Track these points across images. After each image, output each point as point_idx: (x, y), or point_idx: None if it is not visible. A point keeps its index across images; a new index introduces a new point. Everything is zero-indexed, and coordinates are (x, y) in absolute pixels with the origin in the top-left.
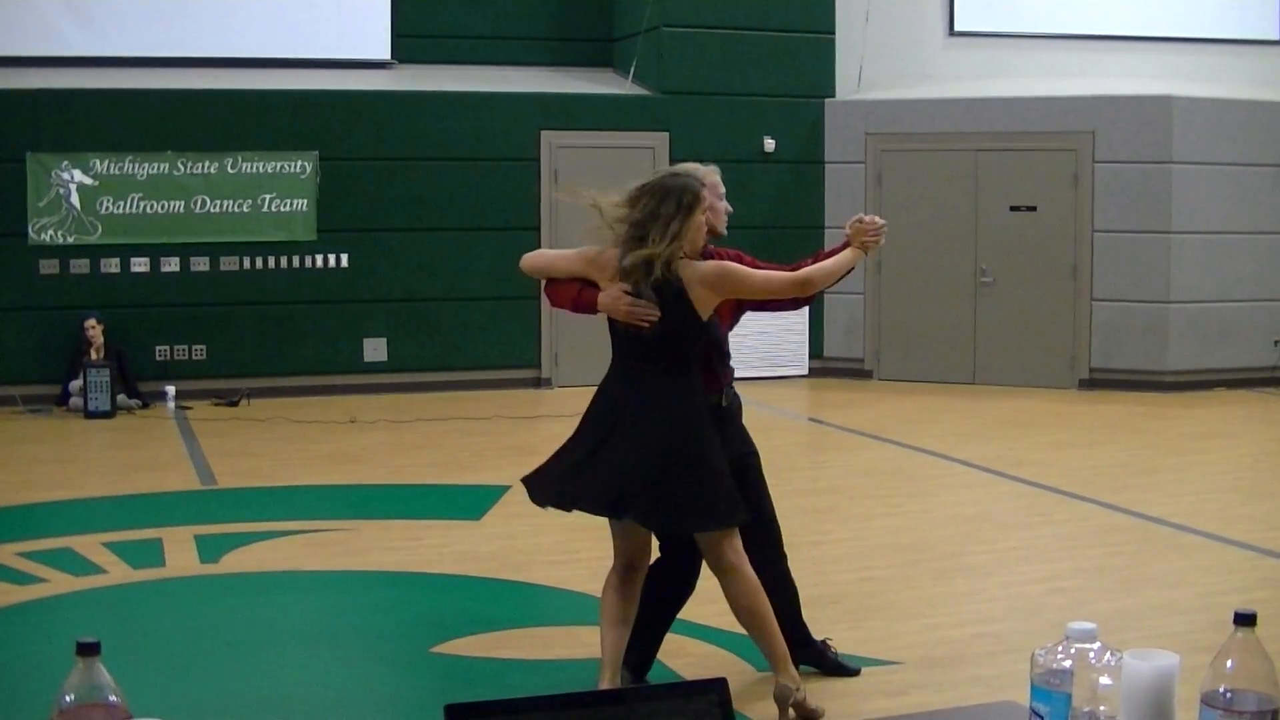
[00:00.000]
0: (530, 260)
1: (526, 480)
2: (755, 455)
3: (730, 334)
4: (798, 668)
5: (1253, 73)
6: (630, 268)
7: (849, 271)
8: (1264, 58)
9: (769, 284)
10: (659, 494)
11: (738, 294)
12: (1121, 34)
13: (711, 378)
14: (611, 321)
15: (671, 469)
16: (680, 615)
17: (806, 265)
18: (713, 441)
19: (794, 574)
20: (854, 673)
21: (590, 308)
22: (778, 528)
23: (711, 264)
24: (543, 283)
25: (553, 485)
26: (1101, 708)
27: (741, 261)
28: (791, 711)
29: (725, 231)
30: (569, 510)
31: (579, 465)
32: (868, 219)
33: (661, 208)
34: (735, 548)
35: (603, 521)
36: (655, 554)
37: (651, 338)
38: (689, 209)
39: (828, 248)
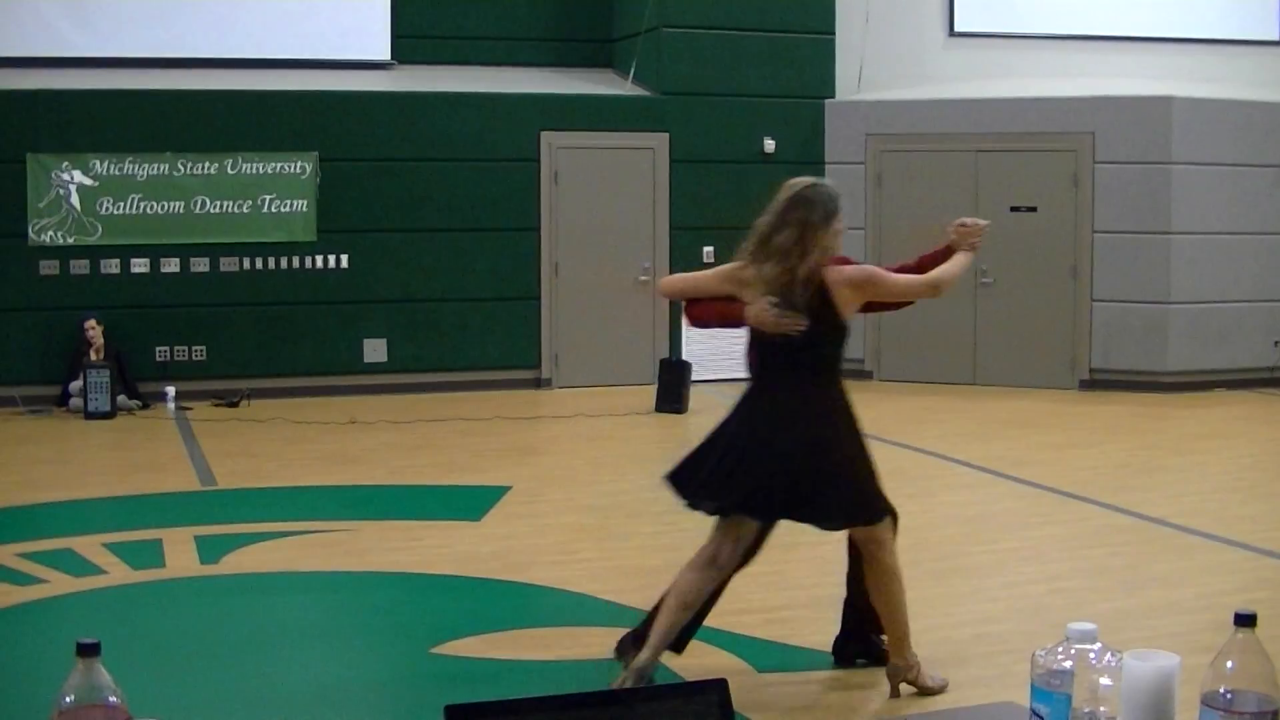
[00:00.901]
0: (671, 284)
1: (673, 478)
2: None
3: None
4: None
5: (1253, 73)
6: (776, 280)
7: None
8: (1264, 58)
9: (908, 287)
10: (815, 495)
11: (878, 297)
12: (1121, 34)
13: None
14: (754, 332)
15: (826, 468)
16: None
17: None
18: (861, 438)
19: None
20: None
21: (738, 321)
22: None
23: (855, 268)
24: (683, 303)
25: (701, 487)
26: (1102, 708)
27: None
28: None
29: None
30: (716, 514)
31: (729, 470)
32: (970, 222)
33: (811, 215)
34: (878, 538)
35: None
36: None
37: (799, 344)
38: (831, 216)
39: (927, 251)
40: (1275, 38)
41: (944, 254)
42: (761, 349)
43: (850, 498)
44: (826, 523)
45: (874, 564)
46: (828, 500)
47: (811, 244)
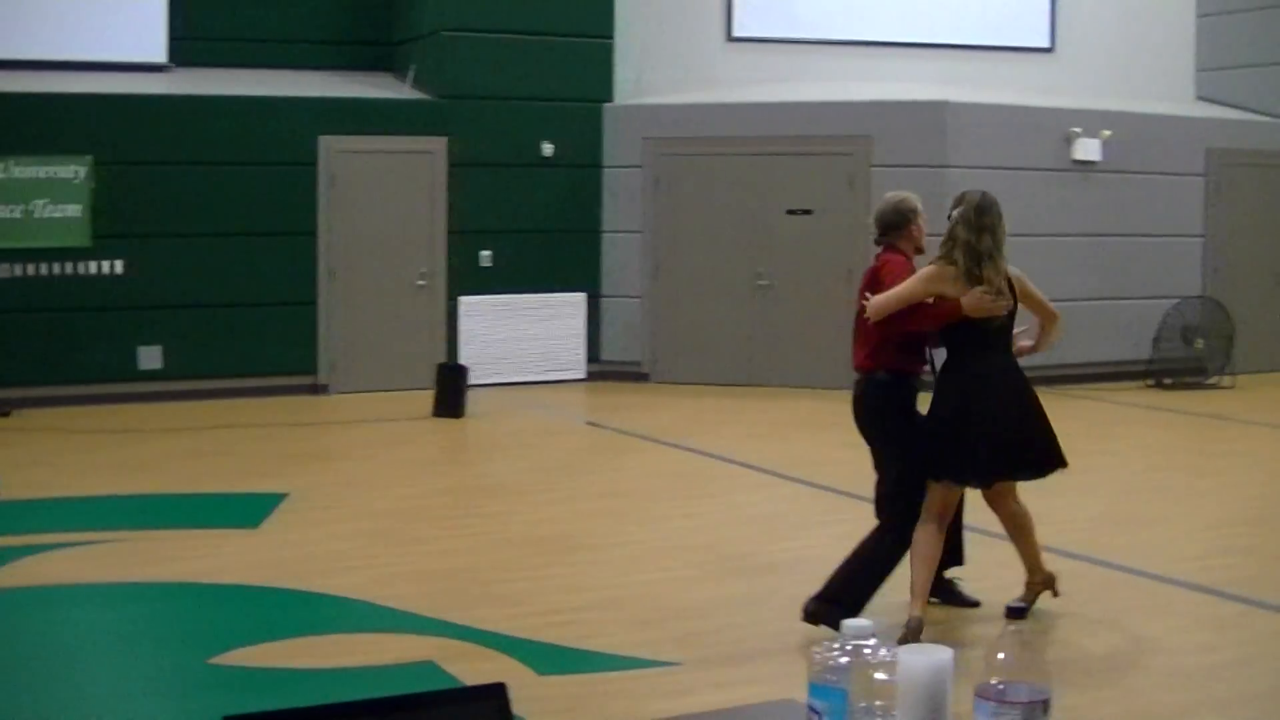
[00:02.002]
0: (884, 307)
1: (951, 473)
2: None
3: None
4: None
5: (1026, 79)
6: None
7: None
8: (1036, 65)
9: (1042, 302)
10: (1030, 452)
11: (1024, 295)
12: (898, 40)
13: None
14: (955, 323)
15: (1039, 427)
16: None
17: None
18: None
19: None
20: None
21: (955, 314)
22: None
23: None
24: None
25: (986, 466)
26: (878, 703)
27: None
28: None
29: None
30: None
31: (1009, 443)
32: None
33: (994, 218)
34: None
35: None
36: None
37: (998, 324)
38: (1001, 215)
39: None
40: (1047, 45)
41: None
42: (960, 334)
43: (1051, 448)
44: (1038, 475)
45: (1020, 510)
46: (1038, 455)
47: (1001, 240)
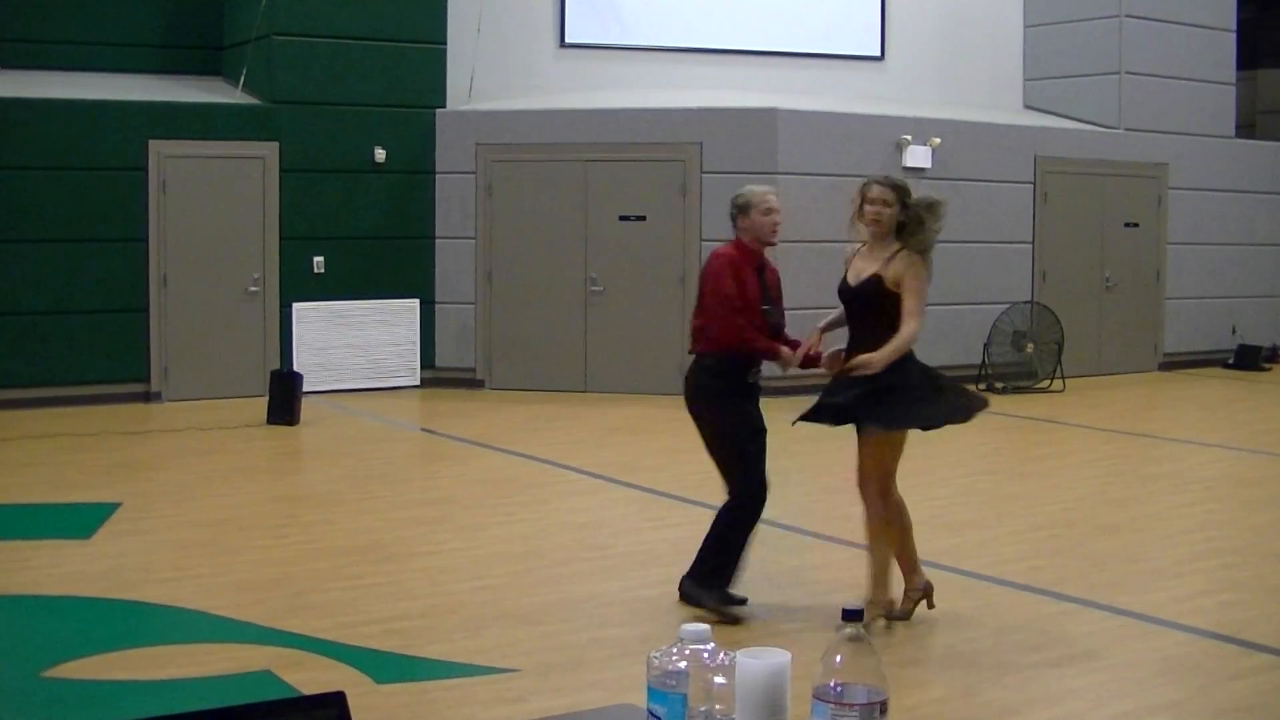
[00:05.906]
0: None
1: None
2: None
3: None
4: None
5: (857, 87)
6: None
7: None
8: (867, 73)
9: None
10: None
11: None
12: (729, 48)
13: None
14: None
15: None
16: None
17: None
18: None
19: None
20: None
21: None
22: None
23: None
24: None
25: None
26: (717, 706)
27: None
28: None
29: None
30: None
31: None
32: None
33: None
34: None
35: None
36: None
37: None
38: None
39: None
40: (878, 54)
41: None
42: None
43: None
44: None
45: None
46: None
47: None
